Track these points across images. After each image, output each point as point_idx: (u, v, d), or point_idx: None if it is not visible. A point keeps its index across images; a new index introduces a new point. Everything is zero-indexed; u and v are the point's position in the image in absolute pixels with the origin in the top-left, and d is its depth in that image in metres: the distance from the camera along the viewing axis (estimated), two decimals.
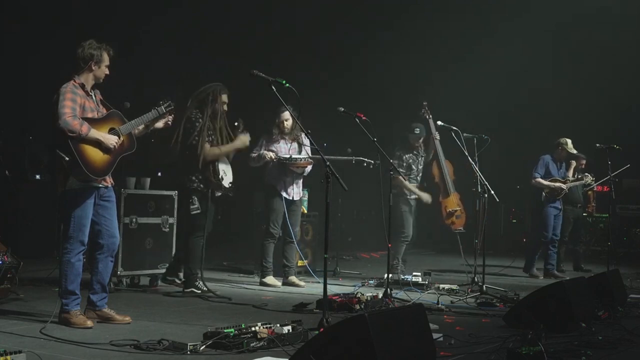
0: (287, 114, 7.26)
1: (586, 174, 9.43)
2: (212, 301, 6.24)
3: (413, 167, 8.47)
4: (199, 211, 6.47)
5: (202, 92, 6.54)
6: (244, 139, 6.61)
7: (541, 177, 9.06)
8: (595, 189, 10.80)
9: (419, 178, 8.56)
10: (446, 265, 9.99)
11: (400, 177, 8.04)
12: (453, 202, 8.85)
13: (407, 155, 8.44)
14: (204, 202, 6.48)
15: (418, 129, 8.41)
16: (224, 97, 6.57)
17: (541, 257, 9.35)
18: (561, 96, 13.50)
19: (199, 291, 6.48)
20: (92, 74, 4.98)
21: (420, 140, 8.50)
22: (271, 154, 7.32)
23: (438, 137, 8.62)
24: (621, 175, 10.79)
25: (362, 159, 7.90)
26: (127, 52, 7.39)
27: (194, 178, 6.46)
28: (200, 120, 6.44)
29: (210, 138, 6.49)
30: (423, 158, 8.61)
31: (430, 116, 8.62)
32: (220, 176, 6.45)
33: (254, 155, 7.37)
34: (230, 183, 6.58)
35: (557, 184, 9.04)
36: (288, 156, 7.37)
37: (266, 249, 7.47)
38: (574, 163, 9.58)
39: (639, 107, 12.78)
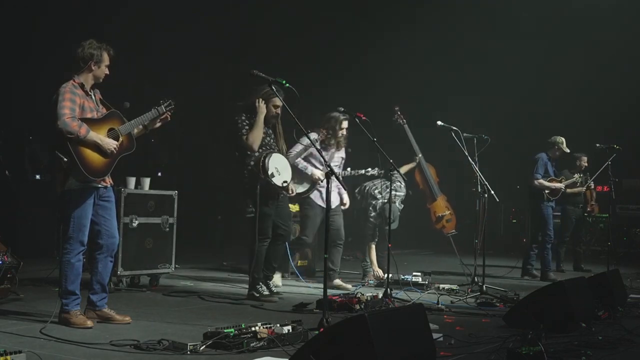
0: (346, 123, 7.16)
1: (576, 174, 9.47)
2: (211, 301, 6.24)
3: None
4: (252, 215, 6.35)
5: (252, 96, 6.45)
6: None
7: (542, 177, 9.07)
8: (593, 188, 10.63)
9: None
10: (445, 266, 9.98)
11: None
12: (441, 206, 8.80)
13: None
14: (255, 202, 6.30)
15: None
16: (276, 101, 6.43)
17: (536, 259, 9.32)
18: (561, 96, 13.50)
19: (258, 295, 6.34)
20: (91, 74, 4.96)
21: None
22: (319, 174, 7.22)
23: (420, 155, 8.44)
24: (621, 175, 10.79)
25: (364, 172, 7.58)
26: (127, 52, 7.38)
27: (245, 179, 6.40)
28: (247, 121, 6.38)
29: (266, 139, 6.46)
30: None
31: (405, 121, 8.44)
32: (270, 173, 6.28)
33: (300, 166, 7.23)
34: (284, 182, 6.40)
35: (557, 185, 9.07)
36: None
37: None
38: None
39: (638, 107, 12.78)
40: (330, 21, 12.94)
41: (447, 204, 8.88)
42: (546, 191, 9.04)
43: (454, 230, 8.84)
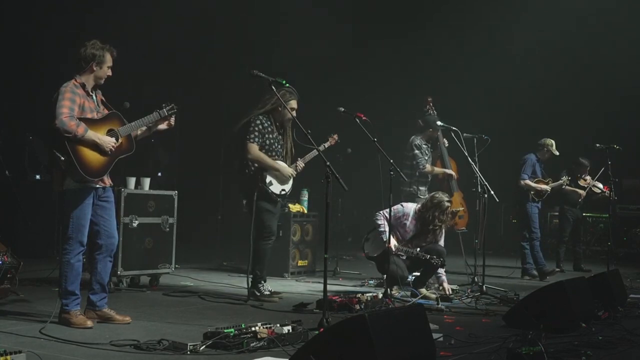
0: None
1: (564, 177, 9.50)
2: (211, 301, 6.24)
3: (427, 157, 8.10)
4: (247, 212, 6.37)
5: (269, 98, 6.30)
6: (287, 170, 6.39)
7: (529, 178, 9.13)
8: (601, 192, 10.38)
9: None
10: (448, 265, 9.94)
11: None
12: (456, 202, 8.76)
13: (425, 145, 8.14)
14: (251, 202, 6.27)
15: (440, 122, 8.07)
16: (293, 104, 6.34)
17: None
18: (561, 96, 13.50)
19: (259, 294, 6.30)
20: (93, 74, 4.95)
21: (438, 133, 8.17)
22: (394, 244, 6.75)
23: (447, 144, 8.43)
24: (621, 175, 10.76)
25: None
26: (127, 51, 7.39)
27: (245, 177, 6.36)
28: (260, 126, 6.30)
29: (274, 145, 6.38)
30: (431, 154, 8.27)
31: (435, 112, 8.50)
32: (268, 181, 6.25)
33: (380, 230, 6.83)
34: (282, 190, 6.35)
35: (543, 187, 9.14)
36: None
37: None
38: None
39: (638, 107, 12.77)
40: (330, 19, 12.93)
41: (463, 202, 8.87)
42: (531, 192, 9.09)
43: (464, 228, 8.84)
